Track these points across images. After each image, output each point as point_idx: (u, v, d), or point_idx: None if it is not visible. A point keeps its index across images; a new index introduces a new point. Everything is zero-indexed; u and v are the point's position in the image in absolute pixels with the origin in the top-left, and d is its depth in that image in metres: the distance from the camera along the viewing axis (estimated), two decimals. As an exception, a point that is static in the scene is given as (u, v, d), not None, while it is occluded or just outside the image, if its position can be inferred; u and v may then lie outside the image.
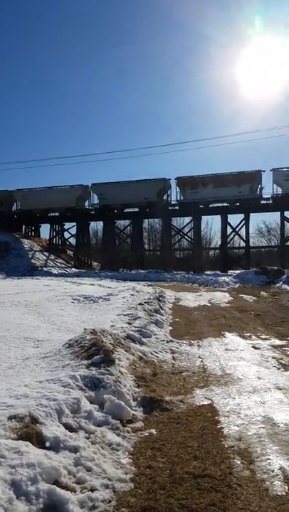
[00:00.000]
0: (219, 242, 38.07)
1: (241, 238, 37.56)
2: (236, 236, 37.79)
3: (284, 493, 2.87)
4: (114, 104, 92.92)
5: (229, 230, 36.83)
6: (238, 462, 3.31)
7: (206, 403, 4.62)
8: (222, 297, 15.58)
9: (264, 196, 34.26)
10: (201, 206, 36.10)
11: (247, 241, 36.81)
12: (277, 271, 21.34)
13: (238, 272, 26.84)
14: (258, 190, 34.13)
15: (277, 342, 7.87)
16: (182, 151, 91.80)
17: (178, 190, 36.36)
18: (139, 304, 10.61)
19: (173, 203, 37.39)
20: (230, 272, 31.01)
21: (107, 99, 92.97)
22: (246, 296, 15.93)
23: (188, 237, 39.47)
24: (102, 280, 24.30)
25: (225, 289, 19.46)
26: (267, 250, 42.85)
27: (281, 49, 68.92)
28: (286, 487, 2.94)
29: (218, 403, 4.61)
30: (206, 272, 31.05)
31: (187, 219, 39.29)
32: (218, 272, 31.29)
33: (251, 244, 38.59)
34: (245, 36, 70.97)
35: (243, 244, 37.80)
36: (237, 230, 36.84)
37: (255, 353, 7.02)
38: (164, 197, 37.38)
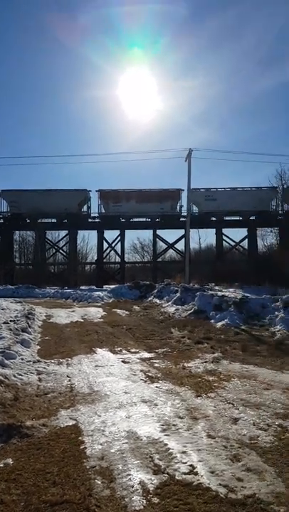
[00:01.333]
0: (95, 257, 38.42)
1: (117, 253, 38.50)
2: (112, 251, 38.63)
3: (142, 507, 2.87)
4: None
5: (105, 245, 37.49)
6: (99, 482, 3.23)
7: (70, 424, 4.47)
8: (96, 312, 15.58)
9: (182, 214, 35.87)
10: (122, 220, 36.19)
11: (122, 256, 37.85)
12: (149, 285, 22.18)
13: (112, 286, 27.26)
14: (178, 207, 35.90)
15: (146, 355, 8.10)
16: (67, 164, 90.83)
17: (99, 202, 36.10)
18: (4, 322, 9.94)
19: (94, 215, 36.78)
20: (105, 286, 31.40)
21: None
22: (119, 311, 16.20)
23: (63, 251, 38.99)
24: None
25: (99, 304, 19.54)
26: (140, 265, 44.56)
27: (152, 79, 73.59)
28: (144, 501, 2.95)
29: (83, 422, 4.50)
30: (81, 287, 30.91)
31: (63, 232, 38.84)
32: (94, 287, 31.44)
33: (126, 259, 39.79)
34: (124, 64, 74.25)
35: (118, 259, 38.76)
36: (113, 245, 37.67)
37: (125, 367, 7.11)
38: (83, 208, 36.56)
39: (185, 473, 3.35)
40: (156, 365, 7.27)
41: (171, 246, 38.01)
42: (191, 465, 3.49)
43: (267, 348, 8.72)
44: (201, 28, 68.87)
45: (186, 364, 7.26)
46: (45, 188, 36.24)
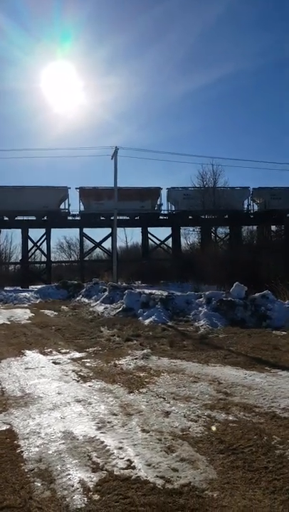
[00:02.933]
0: (20, 257, 37.10)
1: (42, 253, 37.58)
2: (38, 250, 37.60)
3: (84, 505, 2.94)
4: None
5: (30, 244, 36.40)
6: (39, 484, 3.24)
7: (4, 429, 4.38)
8: (23, 314, 15.16)
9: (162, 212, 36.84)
10: (102, 218, 35.55)
11: (48, 256, 37.02)
12: (77, 285, 22.01)
13: (39, 287, 26.58)
14: (157, 206, 36.34)
15: (77, 355, 8.10)
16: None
17: (79, 200, 35.46)
18: None
19: (74, 213, 35.89)
20: (31, 287, 30.49)
21: None
22: (47, 312, 15.90)
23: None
24: None
25: (26, 305, 18.99)
26: (68, 265, 43.90)
27: (76, 75, 72.45)
28: (85, 499, 3.02)
29: (18, 426, 4.44)
30: (6, 288, 29.67)
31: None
32: (19, 288, 30.38)
33: (52, 258, 38.99)
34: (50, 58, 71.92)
35: (44, 258, 37.83)
36: (38, 244, 36.69)
37: (56, 368, 7.06)
38: (62, 206, 35.47)
39: (123, 468, 3.47)
40: (87, 364, 7.31)
41: (98, 245, 37.94)
42: (128, 460, 3.62)
43: (192, 342, 9.14)
44: (124, 28, 69.15)
45: (117, 362, 7.39)
46: (22, 185, 34.75)
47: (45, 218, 35.36)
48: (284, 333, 9.73)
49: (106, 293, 16.55)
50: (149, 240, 38.02)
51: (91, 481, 3.26)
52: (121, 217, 35.53)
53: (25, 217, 35.53)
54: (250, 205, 37.98)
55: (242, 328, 10.60)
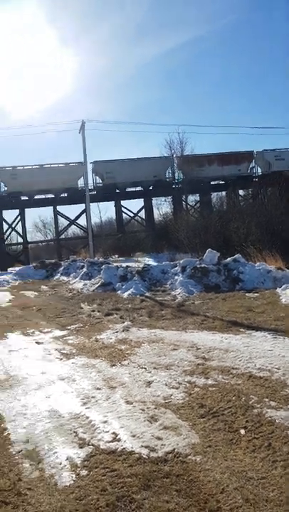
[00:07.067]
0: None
1: (18, 234, 36.92)
2: (14, 232, 36.91)
3: (72, 482, 3.03)
4: None
5: (5, 226, 35.64)
6: (27, 465, 3.31)
7: (-11, 413, 4.42)
8: (3, 296, 14.96)
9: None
10: (201, 184, 36.15)
11: (24, 236, 36.45)
12: (55, 264, 21.84)
13: (17, 268, 26.22)
14: (249, 169, 37.86)
15: (59, 333, 8.14)
16: None
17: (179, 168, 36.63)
18: None
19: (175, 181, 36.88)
20: (10, 269, 30.02)
21: None
22: (28, 292, 15.77)
23: None
24: None
25: (5, 287, 18.70)
26: (44, 244, 43.43)
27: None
28: (73, 475, 3.12)
29: (4, 409, 4.47)
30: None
31: None
32: (-3, 271, 29.91)
33: (29, 239, 38.41)
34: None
35: (20, 240, 37.25)
36: (13, 226, 35.96)
37: (39, 348, 7.08)
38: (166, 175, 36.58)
39: (109, 442, 3.58)
40: (69, 341, 7.38)
41: (72, 222, 37.44)
42: (113, 433, 3.72)
43: (170, 311, 9.28)
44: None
45: (98, 336, 7.47)
46: (136, 157, 35.79)
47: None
48: (256, 294, 9.97)
49: (84, 269, 16.50)
50: (123, 214, 37.75)
51: (78, 457, 3.36)
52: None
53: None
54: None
55: (217, 292, 10.79)
